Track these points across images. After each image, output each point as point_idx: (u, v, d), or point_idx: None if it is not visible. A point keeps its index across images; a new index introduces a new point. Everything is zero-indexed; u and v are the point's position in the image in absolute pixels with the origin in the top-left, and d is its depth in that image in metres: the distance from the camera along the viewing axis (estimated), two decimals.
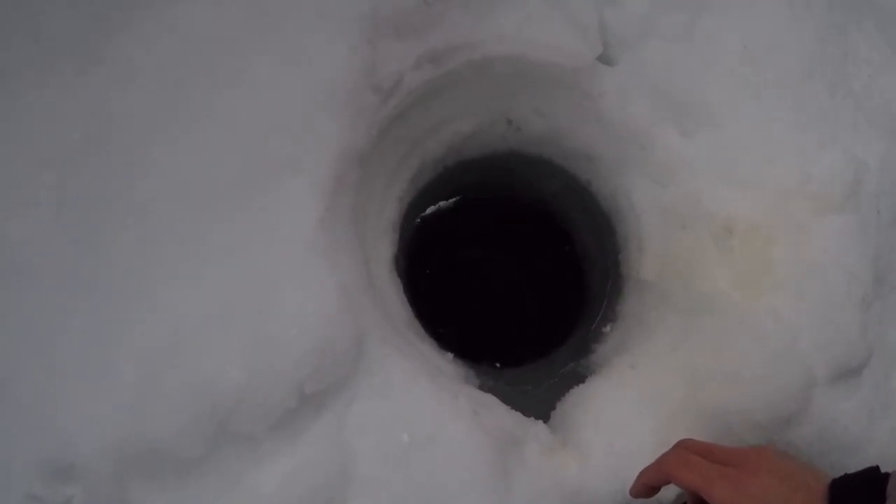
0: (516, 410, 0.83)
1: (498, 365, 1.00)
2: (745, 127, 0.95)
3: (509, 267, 1.16)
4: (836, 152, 0.95)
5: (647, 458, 0.80)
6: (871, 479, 0.52)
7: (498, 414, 0.76)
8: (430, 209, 1.05)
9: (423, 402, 0.71)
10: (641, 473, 0.64)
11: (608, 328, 1.03)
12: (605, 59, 0.98)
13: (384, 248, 0.89)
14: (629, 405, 0.85)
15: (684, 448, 0.61)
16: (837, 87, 1.00)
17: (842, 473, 0.54)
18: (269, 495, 0.68)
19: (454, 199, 1.06)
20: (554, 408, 0.91)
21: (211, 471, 0.69)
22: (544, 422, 0.85)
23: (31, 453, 0.68)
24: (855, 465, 0.89)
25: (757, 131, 0.95)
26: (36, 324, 0.69)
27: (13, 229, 0.70)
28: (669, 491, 0.80)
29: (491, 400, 0.79)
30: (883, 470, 0.53)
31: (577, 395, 0.89)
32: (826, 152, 0.95)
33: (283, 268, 0.69)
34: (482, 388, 0.87)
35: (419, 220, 1.02)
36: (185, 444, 0.67)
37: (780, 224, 0.92)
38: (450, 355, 0.85)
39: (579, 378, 0.95)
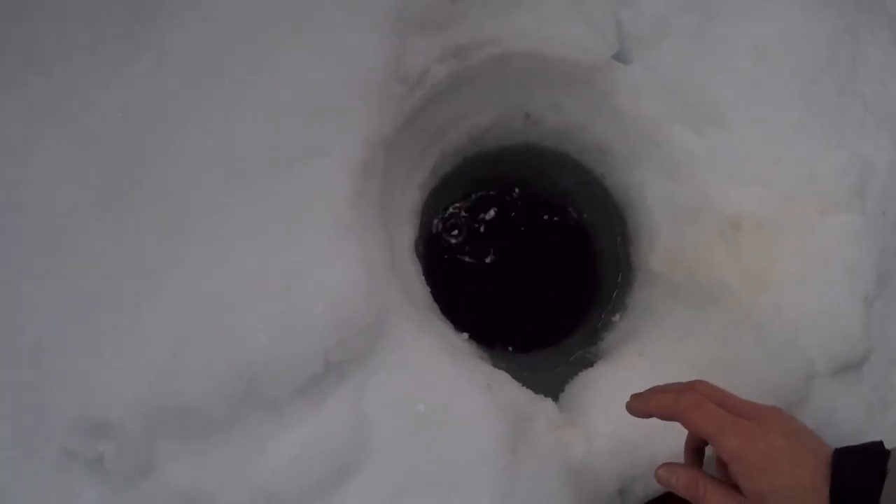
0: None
1: (510, 349, 1.03)
2: (754, 126, 0.98)
3: (523, 256, 1.19)
4: (843, 153, 0.97)
5: (651, 443, 0.83)
6: (875, 452, 0.53)
7: (510, 389, 0.80)
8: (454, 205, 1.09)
9: (440, 374, 0.75)
10: (650, 401, 0.63)
11: (618, 317, 1.06)
12: (620, 58, 1.01)
13: (406, 233, 0.93)
14: (636, 390, 0.88)
15: (700, 392, 0.60)
16: (846, 89, 1.02)
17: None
18: (288, 458, 0.72)
19: (475, 194, 1.10)
20: (563, 391, 0.94)
21: (235, 433, 0.73)
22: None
23: (67, 409, 0.72)
24: None
25: (766, 131, 0.98)
26: (77, 288, 0.74)
27: (61, 201, 0.75)
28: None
29: (503, 376, 0.82)
30: (887, 446, 0.54)
31: (585, 377, 0.91)
32: (832, 153, 0.97)
33: (313, 244, 0.73)
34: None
35: (444, 211, 1.05)
36: (214, 406, 0.70)
37: (786, 221, 0.95)
38: (465, 335, 0.88)
39: (588, 364, 0.97)
